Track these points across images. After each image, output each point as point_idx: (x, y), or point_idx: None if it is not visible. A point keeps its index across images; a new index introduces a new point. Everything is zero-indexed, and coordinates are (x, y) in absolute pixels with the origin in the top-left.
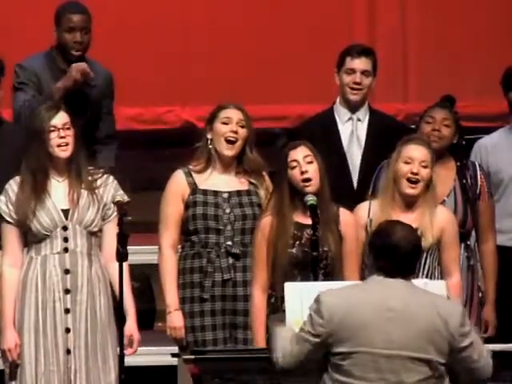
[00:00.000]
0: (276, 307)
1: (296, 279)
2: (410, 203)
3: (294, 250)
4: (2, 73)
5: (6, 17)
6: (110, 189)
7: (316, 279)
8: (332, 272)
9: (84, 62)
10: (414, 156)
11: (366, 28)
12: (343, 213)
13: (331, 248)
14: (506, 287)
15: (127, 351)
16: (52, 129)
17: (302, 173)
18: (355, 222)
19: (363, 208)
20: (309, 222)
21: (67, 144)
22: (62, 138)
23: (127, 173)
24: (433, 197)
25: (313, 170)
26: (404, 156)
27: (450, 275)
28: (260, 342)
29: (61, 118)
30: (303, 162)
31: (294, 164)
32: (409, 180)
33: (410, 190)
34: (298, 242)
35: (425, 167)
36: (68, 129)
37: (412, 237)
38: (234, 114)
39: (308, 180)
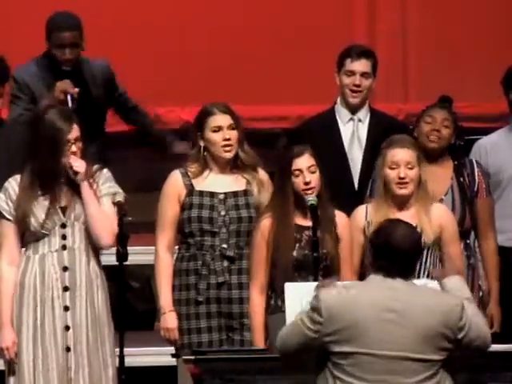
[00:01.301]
0: (276, 308)
1: (296, 281)
2: (403, 204)
3: (294, 253)
4: (7, 78)
5: (6, 17)
6: (103, 182)
7: (316, 280)
8: (331, 273)
9: (75, 69)
10: (398, 160)
11: (366, 28)
12: (338, 215)
13: (329, 250)
14: (505, 288)
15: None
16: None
17: (305, 183)
18: (350, 225)
19: (360, 211)
20: (308, 223)
21: (74, 154)
22: (73, 153)
23: (127, 173)
24: (425, 194)
25: (315, 179)
26: (389, 161)
27: None
28: (259, 343)
29: (74, 132)
30: (307, 173)
31: (298, 173)
32: (398, 183)
33: (401, 191)
34: (298, 245)
35: (411, 168)
36: (78, 141)
37: (413, 237)
38: (222, 121)
39: (310, 189)
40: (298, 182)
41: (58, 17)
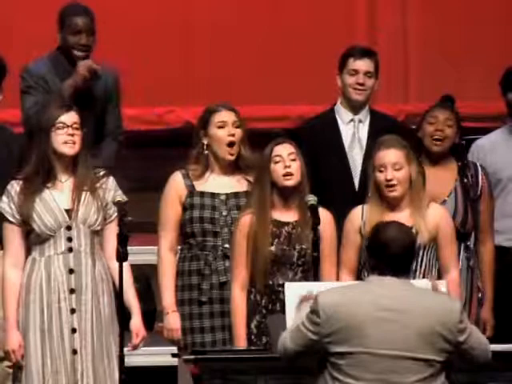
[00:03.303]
0: (256, 304)
1: (275, 276)
2: (396, 205)
3: (272, 248)
4: (5, 73)
5: (7, 17)
6: (110, 189)
7: (295, 276)
8: (310, 269)
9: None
10: (385, 162)
11: (366, 28)
12: (321, 212)
13: (309, 245)
14: (504, 288)
15: (130, 347)
16: (61, 125)
17: (285, 167)
18: (332, 221)
19: (357, 212)
20: (287, 219)
21: (74, 142)
22: (69, 135)
23: (127, 173)
24: (418, 194)
25: (295, 167)
26: (377, 164)
27: (447, 271)
28: (241, 340)
29: (71, 117)
30: (287, 158)
31: (278, 159)
32: (386, 186)
33: (390, 194)
34: (276, 240)
35: (398, 169)
36: (77, 129)
37: (403, 236)
38: (227, 117)
39: (289, 174)
40: (278, 168)
41: (72, 5)
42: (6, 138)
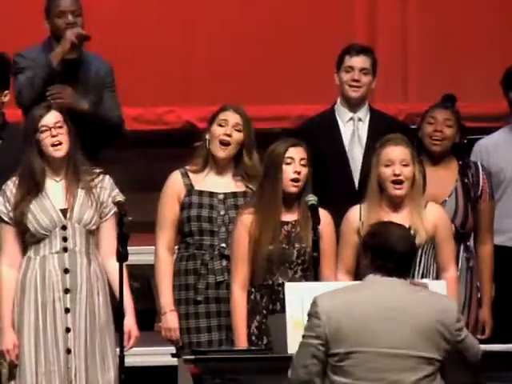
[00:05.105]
0: (256, 304)
1: (274, 275)
2: (397, 204)
3: (271, 247)
4: (7, 84)
5: (6, 15)
6: (106, 187)
7: (294, 275)
8: (310, 268)
9: (80, 52)
10: (393, 157)
11: (366, 28)
12: (320, 212)
13: (309, 244)
14: (506, 287)
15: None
16: (44, 129)
17: (295, 172)
18: (332, 221)
19: (354, 211)
20: (287, 218)
21: (60, 143)
22: (54, 136)
23: (127, 173)
24: (419, 194)
25: (304, 173)
26: (384, 159)
27: (445, 270)
28: (241, 340)
29: (52, 117)
30: (298, 163)
31: (290, 161)
32: (393, 182)
33: (396, 192)
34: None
35: (406, 165)
36: (60, 127)
37: (408, 236)
38: (230, 117)
39: (297, 181)
40: (288, 170)
41: None
42: (14, 137)
